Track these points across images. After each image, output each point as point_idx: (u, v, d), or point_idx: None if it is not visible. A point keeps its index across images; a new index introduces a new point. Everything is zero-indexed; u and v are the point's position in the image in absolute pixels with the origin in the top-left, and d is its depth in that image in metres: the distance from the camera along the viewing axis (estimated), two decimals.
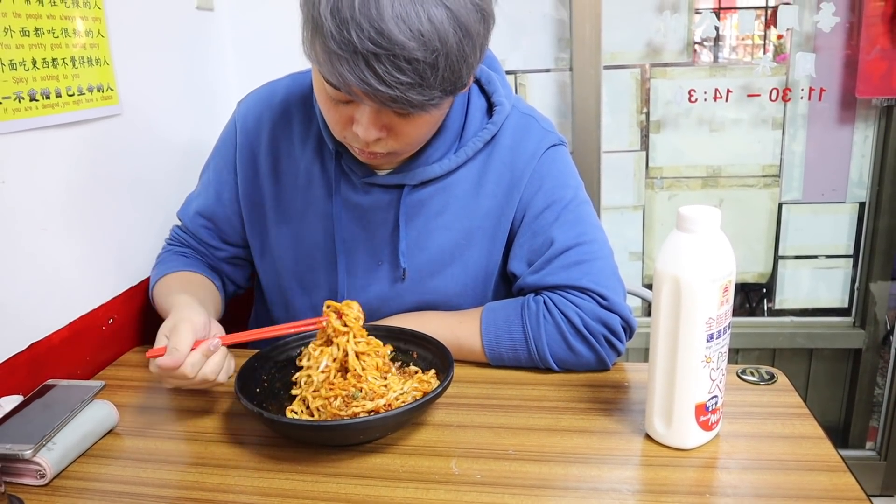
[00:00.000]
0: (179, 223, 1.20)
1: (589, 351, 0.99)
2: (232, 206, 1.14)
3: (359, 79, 0.77)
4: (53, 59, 1.03)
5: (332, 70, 0.79)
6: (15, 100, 0.97)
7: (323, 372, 0.89)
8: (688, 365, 0.77)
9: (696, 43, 1.90)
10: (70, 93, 1.07)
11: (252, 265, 1.20)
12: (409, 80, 0.78)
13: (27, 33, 0.98)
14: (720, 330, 0.77)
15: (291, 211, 1.10)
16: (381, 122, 0.88)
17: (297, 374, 0.93)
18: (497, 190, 1.05)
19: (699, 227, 0.74)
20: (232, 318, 1.18)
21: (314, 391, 0.88)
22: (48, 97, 1.03)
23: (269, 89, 1.13)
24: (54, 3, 1.03)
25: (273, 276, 1.15)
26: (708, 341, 0.76)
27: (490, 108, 1.07)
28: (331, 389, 0.87)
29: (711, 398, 0.79)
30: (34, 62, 1.00)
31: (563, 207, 1.04)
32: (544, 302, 1.01)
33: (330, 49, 0.77)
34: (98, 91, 1.13)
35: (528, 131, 1.07)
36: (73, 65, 1.07)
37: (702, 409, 0.79)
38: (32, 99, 1.00)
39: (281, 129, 1.09)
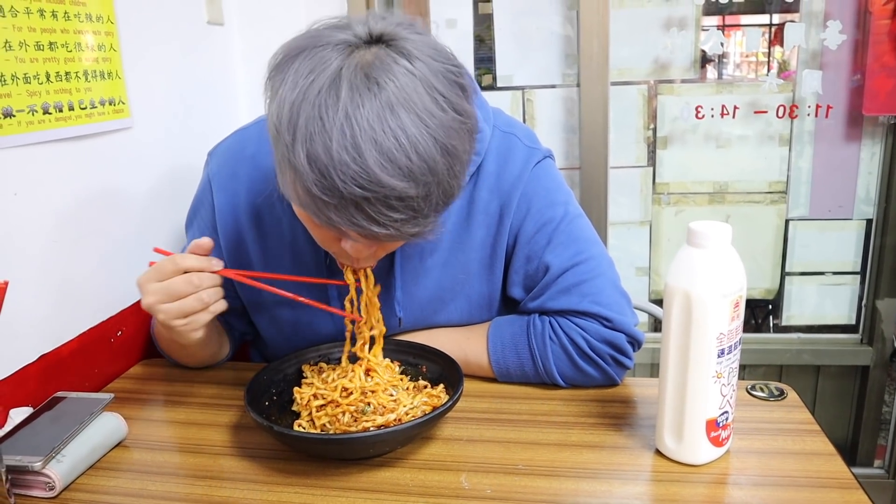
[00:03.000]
0: None
1: (596, 371, 0.99)
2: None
3: (349, 222, 0.72)
4: (66, 73, 1.04)
5: (319, 214, 0.73)
6: (28, 113, 0.97)
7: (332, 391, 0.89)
8: (699, 380, 0.77)
9: (703, 59, 1.90)
10: (82, 106, 1.08)
11: (249, 317, 1.14)
12: (402, 216, 0.72)
13: (41, 47, 0.99)
14: (731, 345, 0.77)
15: (281, 268, 1.04)
16: (371, 244, 0.82)
17: (301, 392, 0.92)
18: (487, 219, 1.02)
19: (710, 243, 0.74)
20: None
21: (320, 407, 0.88)
22: (61, 110, 1.03)
23: (239, 139, 1.07)
24: (68, 17, 1.04)
25: (271, 329, 1.11)
26: (719, 357, 0.76)
27: None
28: (337, 407, 0.87)
29: (722, 414, 0.79)
30: (48, 76, 1.01)
31: (555, 228, 1.01)
32: (550, 323, 1.00)
33: (314, 195, 0.71)
34: (110, 104, 1.14)
35: (511, 152, 1.02)
36: (86, 78, 1.08)
37: (713, 425, 0.79)
38: (46, 112, 1.01)
39: (258, 183, 1.02)
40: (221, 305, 0.90)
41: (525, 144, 1.03)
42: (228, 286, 1.01)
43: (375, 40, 0.74)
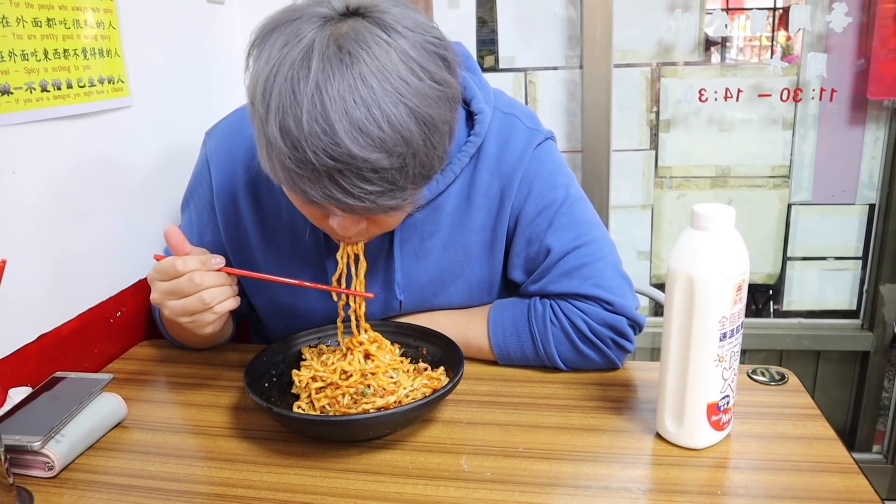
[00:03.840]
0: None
1: (597, 354, 0.99)
2: (216, 249, 1.04)
3: (325, 195, 0.72)
4: (65, 50, 1.03)
5: (293, 187, 0.74)
6: (26, 90, 0.97)
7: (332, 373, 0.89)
8: (700, 364, 0.77)
9: (707, 42, 1.89)
10: (81, 84, 1.07)
11: (248, 297, 1.14)
12: (378, 188, 0.72)
13: (39, 24, 0.98)
14: (733, 329, 0.76)
15: (280, 249, 1.04)
16: (358, 219, 0.82)
17: (299, 374, 0.92)
18: (488, 201, 1.01)
19: (714, 226, 0.73)
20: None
21: (319, 389, 0.88)
22: (59, 88, 1.02)
23: (237, 119, 1.06)
24: None
25: (270, 310, 1.11)
26: (721, 340, 0.76)
27: (470, 116, 1.01)
28: (337, 389, 0.87)
29: (723, 398, 0.79)
30: (46, 53, 1.00)
31: (556, 211, 1.00)
32: (551, 306, 1.00)
33: (287, 167, 0.71)
34: (109, 83, 1.13)
35: (512, 134, 1.01)
36: (85, 56, 1.07)
37: (714, 409, 0.79)
38: (44, 90, 1.00)
39: (257, 164, 1.02)
40: (229, 305, 0.88)
41: (526, 126, 1.02)
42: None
43: (352, 13, 0.74)
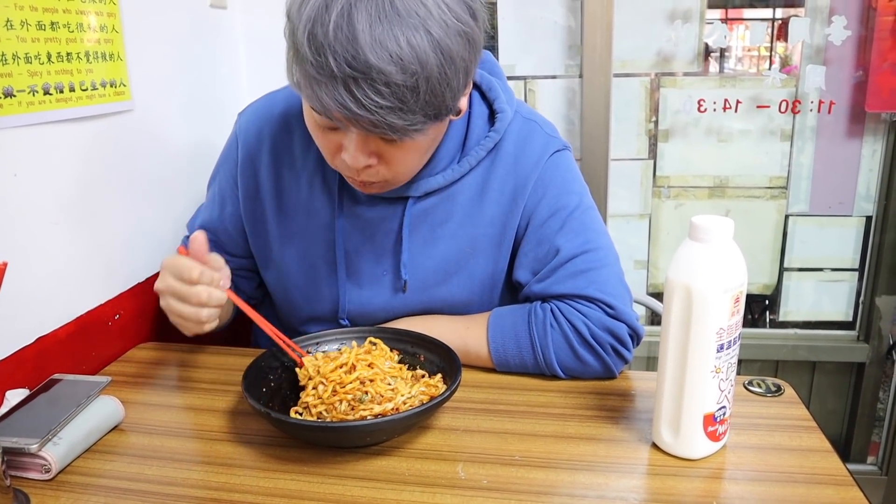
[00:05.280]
0: (188, 233, 1.19)
1: (596, 360, 0.99)
2: (234, 221, 1.13)
3: (338, 103, 0.77)
4: (68, 54, 1.04)
5: (312, 95, 0.79)
6: (29, 93, 0.97)
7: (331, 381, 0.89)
8: (697, 375, 0.77)
9: (706, 53, 1.89)
10: (83, 87, 1.07)
11: (259, 276, 1.19)
12: (388, 103, 0.77)
13: (43, 27, 0.99)
14: (730, 340, 0.77)
15: (294, 225, 1.09)
16: (370, 149, 0.87)
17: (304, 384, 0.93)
18: (501, 197, 1.04)
19: (712, 237, 0.74)
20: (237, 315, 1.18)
21: (316, 397, 0.88)
22: (62, 91, 1.03)
23: (268, 101, 1.12)
24: None
25: (278, 287, 1.15)
26: (718, 351, 0.76)
27: (492, 115, 1.06)
28: (334, 395, 0.87)
29: (720, 408, 0.79)
30: (49, 56, 1.00)
31: (569, 215, 1.03)
32: (551, 310, 1.01)
33: (309, 74, 0.77)
34: (111, 86, 1.13)
35: (531, 137, 1.06)
36: (88, 59, 1.08)
37: (710, 420, 0.79)
38: (46, 93, 1.00)
39: (282, 142, 1.08)
40: (210, 326, 0.95)
41: (545, 132, 1.07)
42: (241, 242, 1.13)
43: None
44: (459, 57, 0.80)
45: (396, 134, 0.81)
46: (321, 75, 0.76)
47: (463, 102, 0.91)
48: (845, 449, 2.16)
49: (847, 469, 0.79)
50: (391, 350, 0.97)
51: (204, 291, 0.89)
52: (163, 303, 0.94)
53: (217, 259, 0.94)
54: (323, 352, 0.99)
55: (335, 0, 0.75)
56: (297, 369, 0.94)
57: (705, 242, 0.74)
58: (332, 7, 0.75)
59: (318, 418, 0.87)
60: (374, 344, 0.97)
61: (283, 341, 0.94)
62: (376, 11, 0.74)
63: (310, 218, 1.08)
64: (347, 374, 0.88)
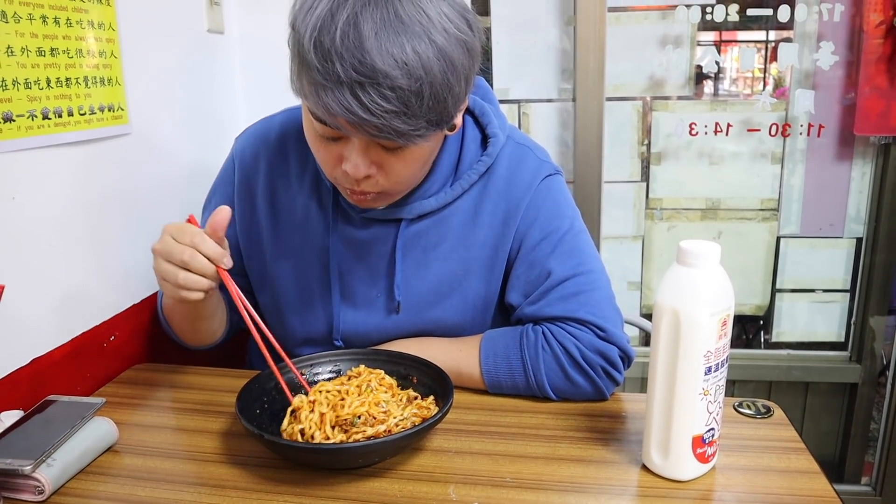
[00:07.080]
0: None
1: (587, 382, 1.00)
2: (231, 242, 1.10)
3: (344, 108, 0.78)
4: (67, 79, 1.05)
5: (317, 101, 0.80)
6: (28, 117, 0.98)
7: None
8: (685, 397, 0.78)
9: (699, 75, 1.92)
10: (82, 112, 1.08)
11: (254, 295, 1.19)
12: (393, 108, 0.79)
13: (43, 53, 1.00)
14: (718, 363, 0.78)
15: (289, 247, 1.10)
16: (370, 158, 0.88)
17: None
18: (493, 221, 1.06)
19: (699, 262, 0.75)
20: (231, 335, 1.18)
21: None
22: (60, 115, 1.04)
23: (265, 125, 1.14)
24: (70, 24, 1.05)
25: (273, 308, 1.15)
26: (706, 374, 0.77)
27: (485, 140, 1.07)
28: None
29: (708, 430, 0.80)
30: (48, 81, 1.01)
31: (560, 238, 1.04)
32: (543, 332, 1.02)
33: (315, 81, 0.79)
34: (109, 111, 1.15)
35: (523, 161, 1.07)
36: (86, 84, 1.09)
37: (699, 442, 0.80)
38: (45, 117, 1.01)
39: (277, 166, 1.10)
40: (196, 296, 0.90)
41: (537, 156, 1.09)
42: (237, 263, 1.10)
43: None
44: (460, 64, 0.83)
45: (400, 139, 0.83)
46: (328, 81, 0.78)
47: (458, 117, 0.93)
48: (839, 469, 2.16)
49: (835, 490, 0.80)
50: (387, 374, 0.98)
51: (188, 251, 0.87)
52: (154, 265, 0.92)
53: (226, 242, 0.93)
54: (317, 381, 0.99)
55: (340, 9, 0.77)
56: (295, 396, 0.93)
57: (693, 267, 0.76)
58: (338, 16, 0.77)
59: (311, 440, 0.87)
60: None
61: (277, 353, 0.93)
62: (381, 20, 0.77)
63: (305, 239, 1.09)
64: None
